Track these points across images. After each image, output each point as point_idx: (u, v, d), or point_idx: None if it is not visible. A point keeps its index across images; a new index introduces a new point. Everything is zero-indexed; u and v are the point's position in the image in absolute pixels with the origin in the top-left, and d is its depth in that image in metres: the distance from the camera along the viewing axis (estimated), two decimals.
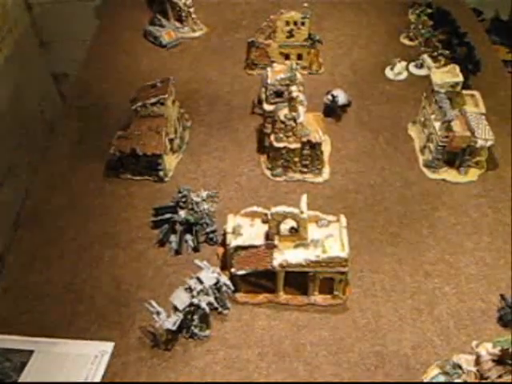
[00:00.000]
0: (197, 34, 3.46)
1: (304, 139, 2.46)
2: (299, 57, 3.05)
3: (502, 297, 2.20)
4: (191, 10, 3.38)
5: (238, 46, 3.30)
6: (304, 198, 2.13)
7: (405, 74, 3.11)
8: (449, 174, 2.61)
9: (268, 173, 2.62)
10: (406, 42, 3.34)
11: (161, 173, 2.62)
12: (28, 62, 4.21)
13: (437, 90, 2.52)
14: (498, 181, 2.62)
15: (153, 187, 2.64)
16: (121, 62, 3.37)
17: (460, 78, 2.53)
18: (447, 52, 3.09)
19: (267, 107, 2.51)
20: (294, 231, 2.16)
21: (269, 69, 2.56)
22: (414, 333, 2.12)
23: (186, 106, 2.94)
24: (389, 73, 3.10)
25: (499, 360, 1.82)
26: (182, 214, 2.42)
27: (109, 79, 3.25)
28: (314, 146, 2.49)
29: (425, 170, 2.63)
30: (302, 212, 2.08)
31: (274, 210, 2.09)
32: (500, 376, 1.81)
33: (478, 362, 1.83)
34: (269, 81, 2.46)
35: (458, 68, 2.59)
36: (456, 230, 2.44)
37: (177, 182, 2.61)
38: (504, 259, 2.33)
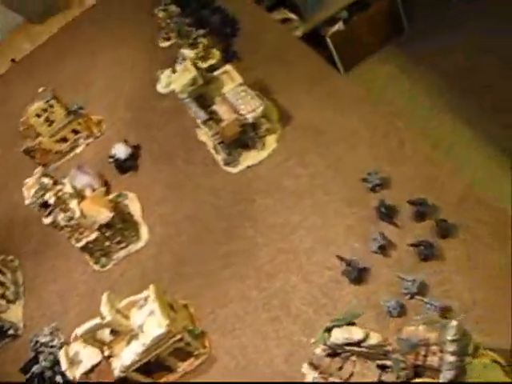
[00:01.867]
0: None
1: (95, 227, 2.35)
2: (75, 132, 2.91)
3: (340, 258, 2.05)
4: None
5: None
6: (104, 299, 2.03)
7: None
8: (250, 158, 2.46)
9: (97, 267, 2.52)
10: (165, 44, 3.15)
11: (10, 331, 2.53)
12: None
13: (180, 97, 2.35)
14: (296, 132, 2.46)
15: (14, 346, 2.55)
16: None
17: (193, 73, 2.35)
18: (202, 31, 2.89)
19: (47, 221, 2.39)
20: (115, 332, 2.06)
21: (23, 188, 2.42)
22: (281, 344, 2.00)
23: (5, 248, 2.86)
24: (160, 88, 2.93)
25: (333, 353, 1.70)
26: (42, 361, 2.35)
27: None
28: (109, 226, 2.38)
29: (227, 168, 2.48)
30: (102, 318, 1.98)
31: (78, 333, 2.00)
32: (341, 368, 1.69)
33: (314, 364, 1.71)
34: (26, 201, 2.34)
35: (188, 63, 2.41)
36: (277, 210, 2.29)
37: (31, 328, 2.52)
38: (332, 212, 2.19)
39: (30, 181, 2.40)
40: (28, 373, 2.40)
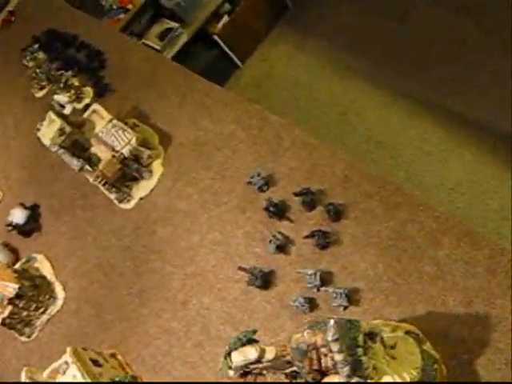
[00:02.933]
0: None
1: (5, 302, 2.30)
2: None
3: (242, 269, 2.03)
4: None
5: None
6: (23, 377, 2.00)
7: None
8: (141, 189, 2.41)
9: (24, 338, 2.45)
10: (40, 93, 3.06)
11: None
12: None
13: (54, 151, 2.30)
14: (179, 151, 2.42)
15: None
16: None
17: (58, 123, 2.30)
18: (70, 72, 2.84)
19: None
20: None
21: None
22: (210, 369, 1.98)
23: None
24: (44, 139, 2.84)
25: (244, 373, 1.68)
26: None
27: None
28: (20, 296, 2.32)
29: (122, 205, 2.44)
30: None
31: None
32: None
33: None
34: None
35: (52, 114, 2.36)
36: (177, 235, 2.26)
37: None
38: (228, 223, 2.17)
39: None
40: None
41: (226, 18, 4.14)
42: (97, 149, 2.33)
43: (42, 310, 2.42)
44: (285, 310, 1.93)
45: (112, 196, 2.47)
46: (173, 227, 2.28)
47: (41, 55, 3.04)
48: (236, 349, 1.61)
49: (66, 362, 2.09)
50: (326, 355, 1.44)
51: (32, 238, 2.65)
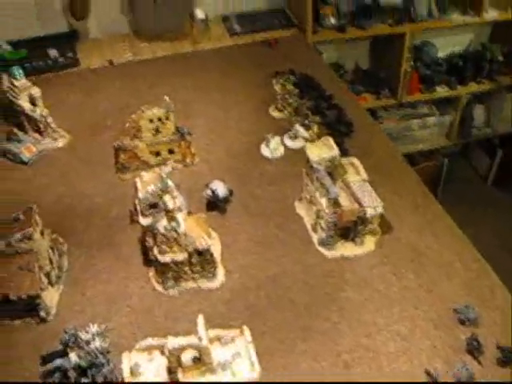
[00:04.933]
0: (60, 144, 3.19)
1: (190, 248, 2.30)
2: (171, 151, 2.90)
3: (428, 373, 2.11)
4: (49, 120, 3.15)
5: (106, 150, 3.06)
6: (201, 321, 1.96)
7: (281, 149, 3.03)
8: (346, 248, 2.53)
9: (159, 288, 2.42)
10: (276, 114, 3.26)
11: (42, 313, 2.34)
12: None
13: (316, 168, 2.44)
14: (395, 243, 2.57)
15: (36, 330, 2.34)
16: None
17: (335, 151, 2.47)
18: (318, 118, 3.06)
19: (144, 221, 2.33)
20: (197, 360, 1.97)
21: (137, 179, 2.38)
22: None
23: (60, 227, 2.67)
24: (265, 150, 2.99)
25: None
26: (73, 357, 2.15)
27: None
28: (202, 253, 2.33)
29: (321, 248, 2.53)
30: (200, 339, 1.90)
31: (170, 344, 1.90)
32: None
33: None
34: (140, 194, 2.29)
35: (331, 139, 2.53)
36: (365, 307, 2.33)
37: (63, 319, 2.35)
38: (419, 328, 2.26)
39: (146, 176, 2.35)
40: (48, 363, 2.22)
41: None
42: (341, 192, 2.47)
43: (197, 277, 2.40)
44: None
45: (315, 236, 2.56)
46: (363, 298, 2.36)
47: (291, 87, 3.27)
48: None
49: (233, 338, 2.07)
50: None
51: (211, 214, 2.69)
